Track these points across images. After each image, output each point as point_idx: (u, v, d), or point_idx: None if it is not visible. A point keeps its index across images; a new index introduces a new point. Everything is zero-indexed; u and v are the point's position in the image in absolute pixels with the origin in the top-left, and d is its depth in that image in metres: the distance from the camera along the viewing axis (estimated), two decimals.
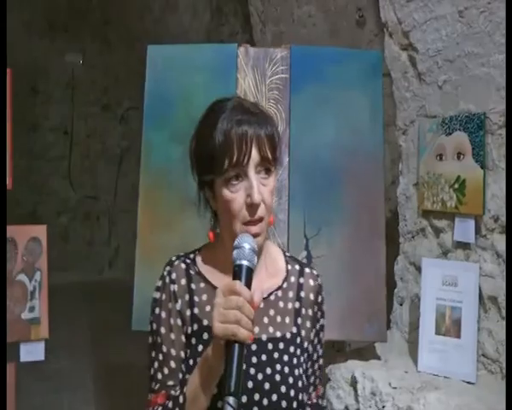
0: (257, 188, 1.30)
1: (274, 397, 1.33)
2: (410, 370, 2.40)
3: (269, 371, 1.35)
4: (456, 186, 2.35)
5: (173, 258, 1.45)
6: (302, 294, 1.44)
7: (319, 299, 1.46)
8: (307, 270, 1.48)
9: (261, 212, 1.32)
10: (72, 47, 8.47)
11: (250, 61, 2.63)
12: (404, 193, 2.70)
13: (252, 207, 1.30)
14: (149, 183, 2.59)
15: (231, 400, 1.13)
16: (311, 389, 1.46)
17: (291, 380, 1.35)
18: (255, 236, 1.31)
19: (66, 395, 4.87)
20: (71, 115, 8.65)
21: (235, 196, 1.31)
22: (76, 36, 8.39)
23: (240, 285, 1.19)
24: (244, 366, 1.28)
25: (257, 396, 1.32)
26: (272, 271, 1.44)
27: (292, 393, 1.35)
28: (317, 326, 1.46)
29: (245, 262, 1.24)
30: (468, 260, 2.32)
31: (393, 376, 2.31)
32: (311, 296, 1.45)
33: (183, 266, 1.43)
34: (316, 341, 1.45)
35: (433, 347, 2.34)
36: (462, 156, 2.33)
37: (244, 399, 1.31)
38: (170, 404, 1.31)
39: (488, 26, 2.17)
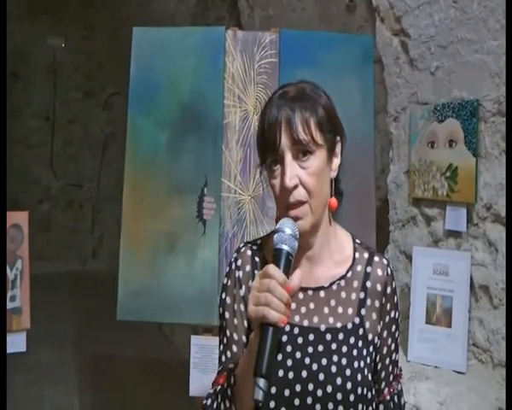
0: (289, 172, 1.29)
1: (329, 389, 1.32)
2: (400, 359, 2.38)
3: (324, 361, 1.34)
4: (448, 174, 2.35)
5: (241, 245, 1.49)
6: (368, 284, 1.40)
7: (388, 290, 1.42)
8: (376, 258, 1.44)
9: (299, 195, 1.31)
10: (54, 30, 8.39)
11: (238, 44, 2.61)
12: (394, 181, 2.70)
13: (285, 190, 1.30)
14: (135, 170, 2.57)
15: (261, 382, 1.16)
16: (383, 384, 1.44)
17: (348, 372, 1.33)
18: (295, 219, 1.30)
19: (48, 387, 4.85)
20: (53, 101, 8.58)
21: (276, 181, 1.33)
22: (58, 19, 8.31)
23: (273, 268, 1.21)
24: (299, 355, 1.34)
25: (311, 386, 1.32)
26: (339, 259, 1.42)
27: (349, 386, 1.32)
28: (386, 319, 1.41)
29: (284, 246, 1.25)
30: (459, 249, 2.32)
31: None
32: (379, 287, 1.41)
33: (249, 252, 1.46)
34: (385, 334, 1.41)
35: (423, 336, 2.35)
36: (454, 144, 2.33)
37: (298, 388, 1.32)
38: (226, 385, 1.37)
39: (482, 11, 2.16)
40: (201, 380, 2.52)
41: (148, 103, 2.59)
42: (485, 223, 2.20)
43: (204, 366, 2.53)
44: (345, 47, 2.64)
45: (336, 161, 1.40)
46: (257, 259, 1.44)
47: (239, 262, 1.45)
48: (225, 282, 1.46)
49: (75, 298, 7.11)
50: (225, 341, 1.43)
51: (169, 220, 2.52)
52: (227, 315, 1.43)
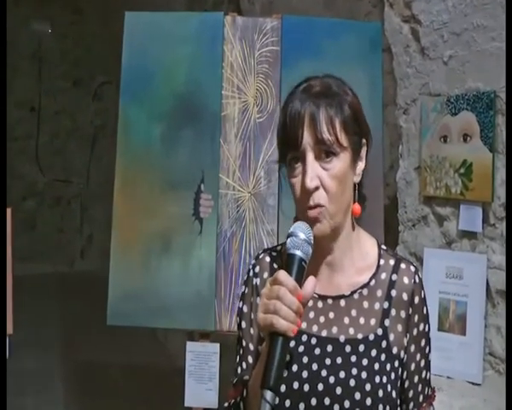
0: (310, 172, 1.29)
1: (346, 404, 1.30)
2: None
3: (342, 374, 1.32)
4: (462, 171, 2.34)
5: (260, 251, 1.50)
6: (393, 293, 1.38)
7: (416, 300, 1.38)
8: (403, 265, 1.40)
9: (318, 198, 1.30)
10: (40, 14, 8.37)
11: (238, 31, 2.61)
12: (404, 178, 2.70)
13: (305, 191, 1.30)
14: (127, 164, 2.57)
15: (268, 395, 1.16)
16: (411, 405, 1.40)
17: (368, 387, 1.31)
18: (314, 221, 1.30)
19: (32, 396, 4.84)
20: (38, 90, 8.56)
21: (296, 180, 1.32)
22: (44, 2, 8.29)
23: (283, 274, 1.21)
24: (316, 367, 1.33)
25: (327, 401, 1.31)
26: (361, 266, 1.40)
27: (368, 401, 1.30)
28: (414, 332, 1.38)
29: (297, 252, 1.24)
30: (474, 251, 2.32)
31: None
32: (405, 296, 1.37)
33: (268, 259, 1.46)
34: (412, 349, 1.38)
35: (435, 344, 2.29)
36: (468, 138, 2.32)
37: (313, 402, 1.31)
38: (239, 398, 1.37)
39: None
40: (197, 389, 2.52)
41: (141, 93, 2.60)
42: (503, 223, 2.20)
43: (200, 374, 2.52)
44: (351, 34, 2.64)
45: (361, 165, 1.37)
46: (275, 266, 1.43)
47: (257, 269, 1.45)
48: (243, 290, 1.47)
49: (62, 301, 7.11)
50: (241, 352, 1.43)
51: (163, 218, 2.52)
52: (243, 325, 1.44)
